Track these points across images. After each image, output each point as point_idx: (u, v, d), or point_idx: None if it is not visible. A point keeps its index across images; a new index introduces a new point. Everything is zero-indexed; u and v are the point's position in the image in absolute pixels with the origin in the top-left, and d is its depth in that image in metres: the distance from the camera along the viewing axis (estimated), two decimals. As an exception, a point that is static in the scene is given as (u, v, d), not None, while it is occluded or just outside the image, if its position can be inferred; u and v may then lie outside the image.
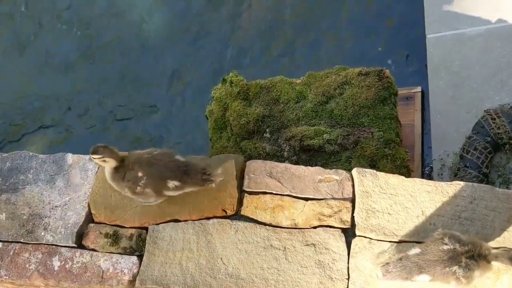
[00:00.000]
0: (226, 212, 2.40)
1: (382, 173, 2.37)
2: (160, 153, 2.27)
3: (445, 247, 1.92)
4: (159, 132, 4.43)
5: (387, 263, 2.00)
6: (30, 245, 2.42)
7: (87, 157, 2.53)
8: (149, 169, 2.22)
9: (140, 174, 2.23)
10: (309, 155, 3.11)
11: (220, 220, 2.38)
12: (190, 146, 4.19)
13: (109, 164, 2.24)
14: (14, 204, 2.50)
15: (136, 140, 4.40)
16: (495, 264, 1.98)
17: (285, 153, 3.12)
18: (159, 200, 2.36)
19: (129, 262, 2.33)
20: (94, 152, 2.21)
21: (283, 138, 3.18)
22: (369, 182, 2.34)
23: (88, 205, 2.45)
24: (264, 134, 3.24)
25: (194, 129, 4.28)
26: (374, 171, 2.37)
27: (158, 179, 2.23)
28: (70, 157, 2.55)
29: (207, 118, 3.46)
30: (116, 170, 2.26)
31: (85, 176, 2.50)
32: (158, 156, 2.26)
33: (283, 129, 3.24)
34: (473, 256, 1.91)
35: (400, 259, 1.99)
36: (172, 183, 2.25)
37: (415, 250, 1.99)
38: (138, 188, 2.24)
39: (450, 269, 1.90)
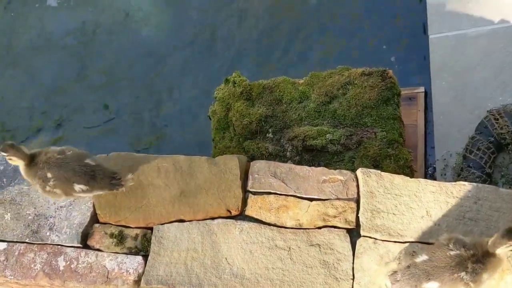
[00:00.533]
0: (230, 212, 2.41)
1: (387, 174, 2.37)
2: (72, 155, 2.30)
3: (452, 252, 1.92)
4: (162, 133, 4.43)
5: (395, 272, 2.00)
6: (35, 245, 2.42)
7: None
8: (57, 171, 2.25)
9: (49, 175, 2.26)
10: (311, 155, 3.11)
11: (225, 220, 2.39)
12: (193, 147, 4.19)
13: (16, 163, 2.30)
14: (19, 204, 2.50)
15: (138, 141, 4.40)
16: (498, 252, 1.95)
17: (288, 153, 3.12)
18: (70, 199, 2.38)
19: (134, 262, 2.33)
20: (1, 150, 2.26)
21: (285, 138, 3.18)
22: (373, 182, 2.34)
23: (93, 205, 2.45)
24: (267, 134, 3.24)
25: (197, 130, 4.28)
26: (379, 171, 2.37)
27: (65, 182, 2.26)
28: (74, 157, 2.54)
29: (210, 119, 3.47)
30: (29, 166, 2.30)
31: (90, 176, 2.50)
32: (68, 158, 2.28)
33: (286, 129, 3.24)
34: (479, 259, 1.91)
35: (408, 267, 1.99)
36: (78, 187, 2.27)
37: (422, 257, 1.99)
38: (48, 187, 2.28)
39: (458, 275, 1.90)
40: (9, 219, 2.47)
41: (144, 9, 4.79)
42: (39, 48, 4.78)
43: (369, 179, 2.35)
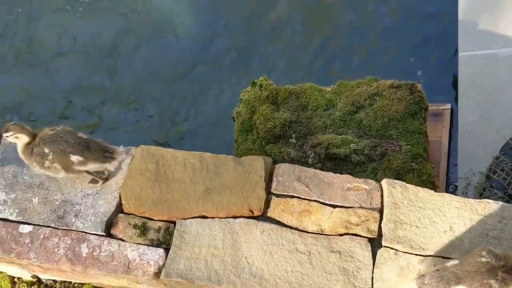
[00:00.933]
0: (253, 213, 2.43)
1: (412, 186, 2.38)
2: (63, 129, 2.42)
3: (483, 259, 1.93)
4: (185, 134, 4.47)
5: (423, 275, 1.99)
6: (60, 230, 2.46)
7: (121, 149, 2.58)
8: (53, 145, 2.37)
9: (46, 150, 2.36)
10: (334, 163, 3.12)
11: (247, 220, 2.41)
12: (216, 147, 4.22)
13: (22, 140, 2.39)
14: (47, 189, 2.55)
15: (161, 139, 4.45)
16: None
17: (310, 160, 3.13)
18: (70, 175, 2.46)
19: (155, 254, 2.36)
20: (6, 131, 2.38)
21: (308, 144, 3.19)
22: (398, 194, 2.35)
23: (119, 196, 2.49)
24: (290, 140, 3.26)
25: (220, 131, 4.31)
26: (404, 183, 2.38)
27: (61, 154, 2.37)
28: (104, 147, 2.60)
29: (233, 120, 3.50)
30: (26, 145, 2.40)
31: (118, 167, 2.55)
32: (61, 132, 2.40)
33: (310, 135, 3.25)
34: (508, 270, 1.91)
35: (437, 270, 1.98)
36: (75, 158, 2.37)
37: (453, 262, 1.99)
38: (47, 162, 2.37)
39: (488, 282, 1.90)
40: (36, 203, 2.53)
41: (176, 13, 4.86)
42: (64, 52, 4.83)
43: (394, 190, 2.35)
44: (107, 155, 2.43)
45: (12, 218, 2.50)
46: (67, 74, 4.72)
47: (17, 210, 2.52)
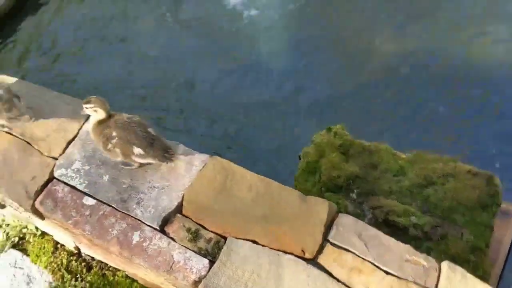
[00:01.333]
0: (304, 253, 2.41)
1: (472, 276, 2.29)
2: (138, 121, 2.56)
3: None
4: (244, 156, 4.54)
5: None
6: (120, 213, 2.54)
7: (195, 154, 2.66)
8: (122, 132, 2.51)
9: (114, 133, 2.51)
10: (390, 230, 3.04)
11: (296, 259, 2.39)
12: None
13: (99, 114, 2.55)
14: (119, 171, 2.65)
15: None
16: None
17: (366, 220, 3.09)
18: (125, 161, 2.59)
19: (200, 263, 2.38)
20: (87, 102, 2.55)
21: (369, 204, 3.16)
22: (456, 280, 2.26)
23: (182, 197, 2.55)
24: (351, 194, 3.24)
25: (280, 164, 4.34)
26: (465, 271, 2.29)
27: (126, 142, 2.50)
28: (181, 148, 2.69)
29: (299, 158, 3.52)
30: (98, 124, 2.56)
31: (189, 170, 2.62)
32: (134, 123, 2.53)
33: (372, 196, 3.22)
34: None
35: None
36: (137, 150, 2.50)
37: None
38: (109, 145, 2.53)
39: None
40: (106, 180, 2.63)
41: (268, 46, 5.04)
42: (150, 56, 5.07)
43: (453, 276, 2.27)
44: (166, 155, 2.55)
45: (80, 188, 2.62)
46: (148, 76, 4.95)
47: (86, 182, 2.63)
